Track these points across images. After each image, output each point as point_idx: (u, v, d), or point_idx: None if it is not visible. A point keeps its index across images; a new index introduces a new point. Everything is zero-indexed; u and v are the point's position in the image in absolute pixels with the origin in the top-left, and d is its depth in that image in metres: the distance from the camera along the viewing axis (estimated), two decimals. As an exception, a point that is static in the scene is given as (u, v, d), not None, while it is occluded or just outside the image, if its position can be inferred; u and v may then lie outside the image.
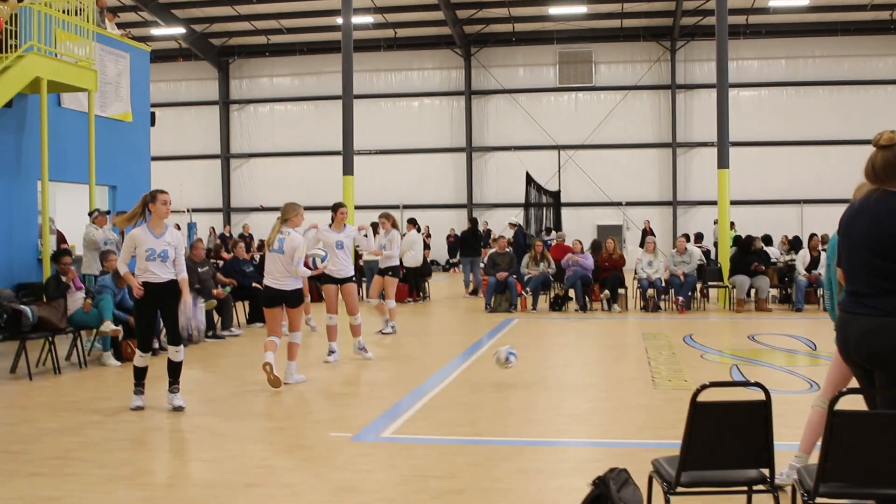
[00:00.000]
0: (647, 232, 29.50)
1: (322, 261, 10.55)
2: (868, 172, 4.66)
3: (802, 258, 18.37)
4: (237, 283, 16.00)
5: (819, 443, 5.33)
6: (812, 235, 19.33)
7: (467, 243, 22.90)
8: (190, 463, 7.07)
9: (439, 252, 34.62)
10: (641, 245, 27.76)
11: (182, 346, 9.00)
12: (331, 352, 11.93)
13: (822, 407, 5.49)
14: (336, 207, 12.39)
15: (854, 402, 4.55)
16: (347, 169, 21.92)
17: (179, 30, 34.41)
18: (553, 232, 27.93)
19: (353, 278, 12.38)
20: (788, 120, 33.85)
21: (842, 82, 33.77)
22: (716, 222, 30.32)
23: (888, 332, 4.48)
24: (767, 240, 23.03)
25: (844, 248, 4.84)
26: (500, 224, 33.32)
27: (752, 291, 18.92)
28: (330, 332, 11.98)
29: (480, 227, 27.68)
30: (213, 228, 35.05)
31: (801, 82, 34.15)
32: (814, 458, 4.72)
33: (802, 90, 34.17)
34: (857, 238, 4.71)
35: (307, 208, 12.63)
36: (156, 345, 12.78)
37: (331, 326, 11.99)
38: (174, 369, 8.90)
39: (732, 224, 27.24)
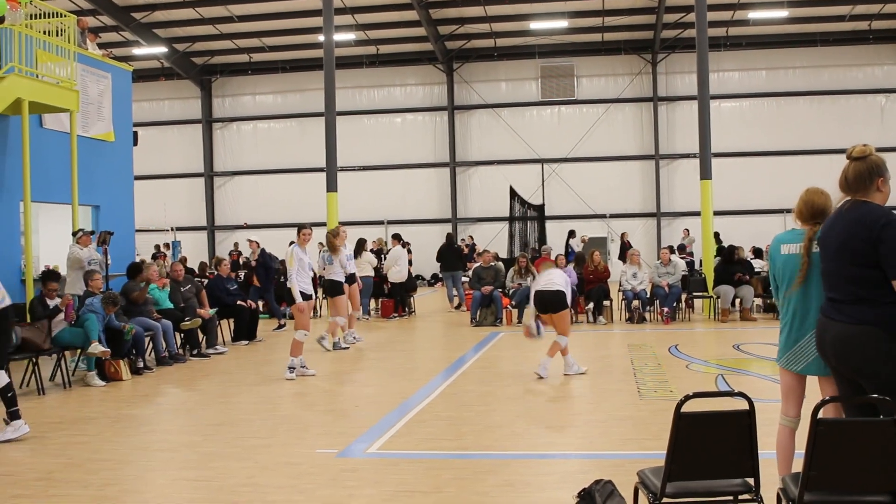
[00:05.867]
0: (625, 245, 29.54)
1: None
2: (841, 183, 4.88)
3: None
4: (220, 302, 16.03)
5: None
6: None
7: (444, 258, 22.92)
8: (175, 482, 7.02)
9: (422, 267, 34.46)
10: (621, 258, 27.91)
11: None
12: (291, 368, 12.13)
13: (785, 424, 5.50)
14: (301, 228, 12.74)
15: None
16: (331, 185, 21.88)
17: (161, 49, 34.35)
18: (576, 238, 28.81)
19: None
20: (770, 130, 34.03)
21: (822, 92, 34.00)
22: (686, 231, 30.80)
23: (859, 341, 4.62)
24: (759, 252, 23.18)
25: (822, 257, 5.00)
26: (486, 238, 33.37)
27: (737, 301, 18.99)
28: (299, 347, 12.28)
29: (465, 242, 27.74)
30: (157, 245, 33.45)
31: (781, 93, 34.35)
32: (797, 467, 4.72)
33: (783, 101, 34.36)
34: (831, 247, 4.86)
35: (291, 225, 12.84)
36: (140, 363, 12.77)
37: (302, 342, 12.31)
38: None
39: (717, 235, 27.38)
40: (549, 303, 11.61)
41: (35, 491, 6.65)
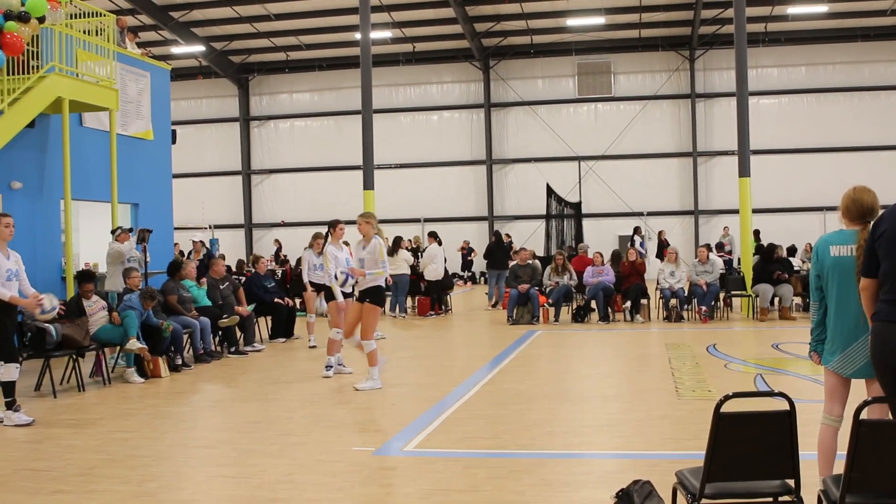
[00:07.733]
0: (663, 243, 29.36)
1: None
2: None
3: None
4: (258, 299, 16.08)
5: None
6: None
7: (494, 255, 22.80)
8: (213, 479, 7.07)
9: (458, 265, 34.43)
10: (658, 256, 27.75)
11: None
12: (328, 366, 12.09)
13: (829, 424, 5.42)
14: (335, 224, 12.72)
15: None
16: (368, 183, 21.94)
17: (199, 48, 34.59)
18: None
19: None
20: (809, 127, 33.65)
21: (862, 88, 33.57)
22: (726, 229, 30.57)
23: None
24: (792, 251, 22.97)
25: (887, 253, 4.70)
26: (522, 236, 33.30)
27: (776, 300, 18.81)
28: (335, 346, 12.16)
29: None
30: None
31: (821, 89, 33.96)
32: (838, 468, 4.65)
33: (823, 97, 33.97)
34: None
35: (327, 223, 12.82)
36: (178, 360, 12.85)
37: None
38: None
39: (757, 233, 27.16)
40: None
41: (75, 486, 6.72)
